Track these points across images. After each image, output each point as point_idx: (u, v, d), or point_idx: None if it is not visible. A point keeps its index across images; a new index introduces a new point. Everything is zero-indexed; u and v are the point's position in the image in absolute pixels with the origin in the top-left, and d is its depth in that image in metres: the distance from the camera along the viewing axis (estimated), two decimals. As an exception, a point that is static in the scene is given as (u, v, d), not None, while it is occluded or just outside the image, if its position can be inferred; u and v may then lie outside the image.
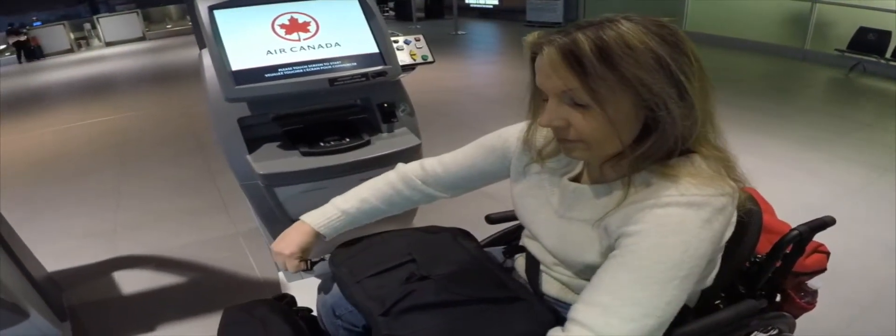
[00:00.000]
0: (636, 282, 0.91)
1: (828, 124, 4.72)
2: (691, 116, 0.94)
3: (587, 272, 1.02)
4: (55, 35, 15.45)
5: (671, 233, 0.92)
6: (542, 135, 1.19)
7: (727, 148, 1.04)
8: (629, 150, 0.98)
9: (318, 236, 1.38)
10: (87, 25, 16.51)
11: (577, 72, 0.93)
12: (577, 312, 0.94)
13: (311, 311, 1.47)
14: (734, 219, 1.01)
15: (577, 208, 1.12)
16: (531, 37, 1.01)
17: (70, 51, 15.50)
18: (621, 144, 0.98)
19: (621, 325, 0.89)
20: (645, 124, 0.96)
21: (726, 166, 1.01)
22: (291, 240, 1.36)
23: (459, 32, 11.32)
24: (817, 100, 5.88)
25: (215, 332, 1.30)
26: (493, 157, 1.32)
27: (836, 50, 6.60)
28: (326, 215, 1.39)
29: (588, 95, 0.94)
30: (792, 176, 3.72)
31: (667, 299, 0.91)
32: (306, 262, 1.37)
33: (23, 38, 14.49)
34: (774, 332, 1.40)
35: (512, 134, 1.29)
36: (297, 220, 1.40)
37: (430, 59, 2.25)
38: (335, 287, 1.41)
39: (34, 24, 15.95)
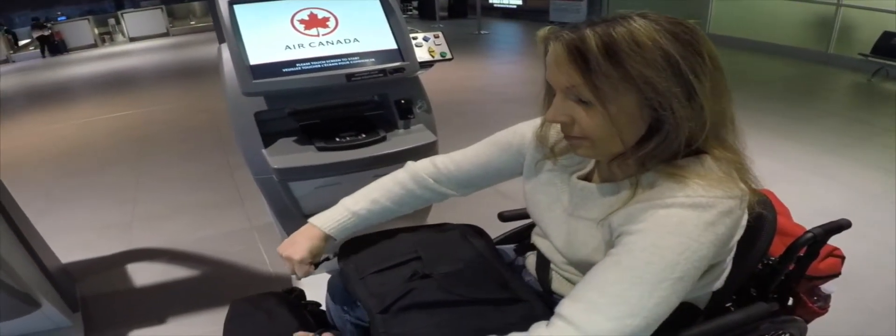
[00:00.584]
0: (626, 280, 0.90)
1: (848, 129, 4.66)
2: (698, 118, 0.92)
3: None
4: (79, 30, 15.60)
5: (669, 233, 0.90)
6: (556, 131, 1.17)
7: (743, 150, 1.02)
8: (632, 150, 0.97)
9: (327, 239, 1.34)
10: (112, 21, 16.65)
11: (580, 68, 0.92)
12: (564, 307, 0.93)
13: (319, 305, 1.46)
14: (744, 221, 0.98)
15: (585, 207, 1.11)
16: (543, 31, 1.00)
17: (94, 46, 15.64)
18: (623, 144, 0.97)
19: (604, 323, 0.88)
20: (650, 125, 0.95)
21: (738, 168, 0.98)
22: (301, 244, 1.31)
23: (482, 32, 11.29)
24: (839, 104, 5.81)
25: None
26: (507, 154, 1.30)
27: (859, 54, 6.51)
28: (336, 217, 1.35)
29: (591, 92, 0.93)
30: (810, 180, 3.68)
31: (656, 300, 0.89)
32: (314, 265, 1.34)
33: (47, 32, 14.63)
34: None
35: (527, 130, 1.27)
36: (307, 220, 1.37)
37: (448, 56, 2.24)
38: (342, 283, 1.40)
39: (59, 18, 16.11)
